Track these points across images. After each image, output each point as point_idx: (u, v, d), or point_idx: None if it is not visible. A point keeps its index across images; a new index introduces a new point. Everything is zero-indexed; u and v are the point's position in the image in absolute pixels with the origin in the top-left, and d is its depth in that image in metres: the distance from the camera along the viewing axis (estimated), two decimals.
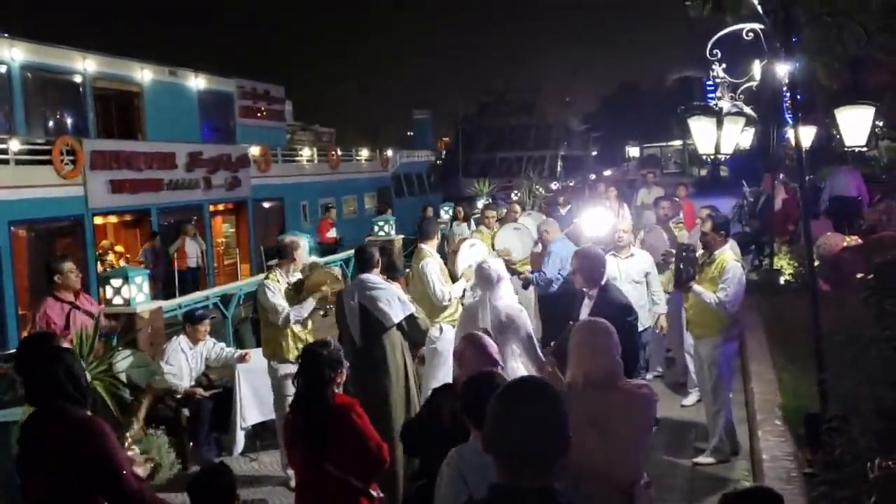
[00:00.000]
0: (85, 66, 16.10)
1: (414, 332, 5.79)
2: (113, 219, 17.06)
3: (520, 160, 43.64)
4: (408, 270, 8.05)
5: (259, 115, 23.08)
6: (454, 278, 7.09)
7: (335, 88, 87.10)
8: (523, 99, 50.74)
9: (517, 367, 4.97)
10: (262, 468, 6.65)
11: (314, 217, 23.45)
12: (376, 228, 14.48)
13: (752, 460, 5.80)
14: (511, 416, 2.08)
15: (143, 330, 7.26)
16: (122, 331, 6.93)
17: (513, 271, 8.00)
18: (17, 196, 13.43)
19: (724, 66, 5.67)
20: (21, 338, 11.69)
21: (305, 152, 25.02)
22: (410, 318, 5.72)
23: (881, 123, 13.02)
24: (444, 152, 51.99)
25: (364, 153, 29.78)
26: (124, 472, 3.09)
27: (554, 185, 25.60)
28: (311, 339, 5.76)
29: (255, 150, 21.17)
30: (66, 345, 3.34)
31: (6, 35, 14.51)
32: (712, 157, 5.69)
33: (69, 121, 16.60)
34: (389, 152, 31.92)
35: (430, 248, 7.04)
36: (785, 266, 10.80)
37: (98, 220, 15.99)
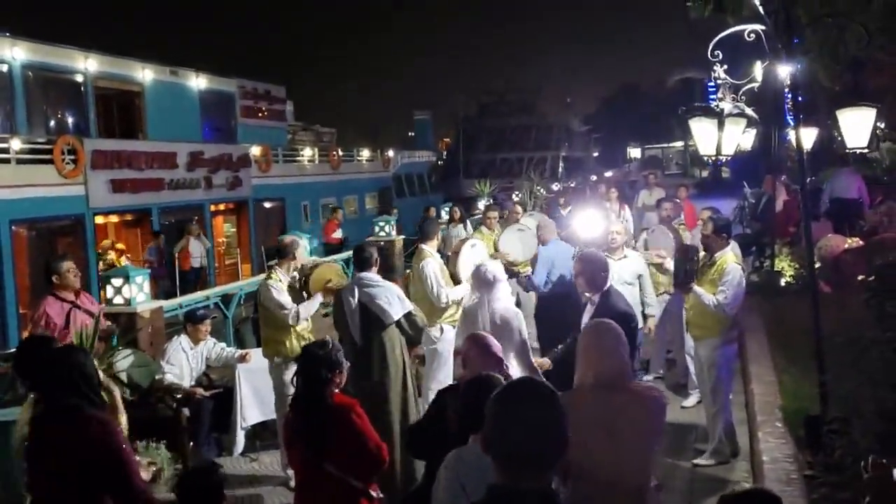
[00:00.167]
0: (86, 65, 16.12)
1: (412, 330, 5.80)
2: (114, 218, 17.08)
3: (521, 161, 43.61)
4: (408, 271, 8.05)
5: (260, 115, 23.10)
6: (455, 279, 7.09)
7: (335, 88, 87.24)
8: (524, 100, 50.73)
9: (511, 369, 4.97)
10: (262, 468, 6.65)
11: (315, 217, 23.48)
12: (377, 229, 14.49)
13: (752, 462, 5.79)
14: (510, 417, 2.08)
15: (143, 329, 7.27)
16: (123, 330, 6.93)
17: (513, 273, 7.99)
18: (19, 195, 13.47)
19: (725, 67, 5.66)
20: (22, 337, 11.72)
21: (306, 152, 25.05)
22: (408, 316, 5.75)
23: (882, 125, 12.98)
24: (444, 153, 51.97)
25: (365, 153, 29.80)
26: (134, 472, 3.11)
27: (555, 186, 25.54)
28: (313, 339, 5.77)
29: (256, 150, 21.19)
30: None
31: (8, 34, 14.52)
32: (713, 158, 5.69)
33: (70, 120, 16.62)
34: (390, 153, 31.95)
35: (430, 249, 7.04)
36: (786, 268, 10.79)
37: (99, 220, 16.02)
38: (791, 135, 11.49)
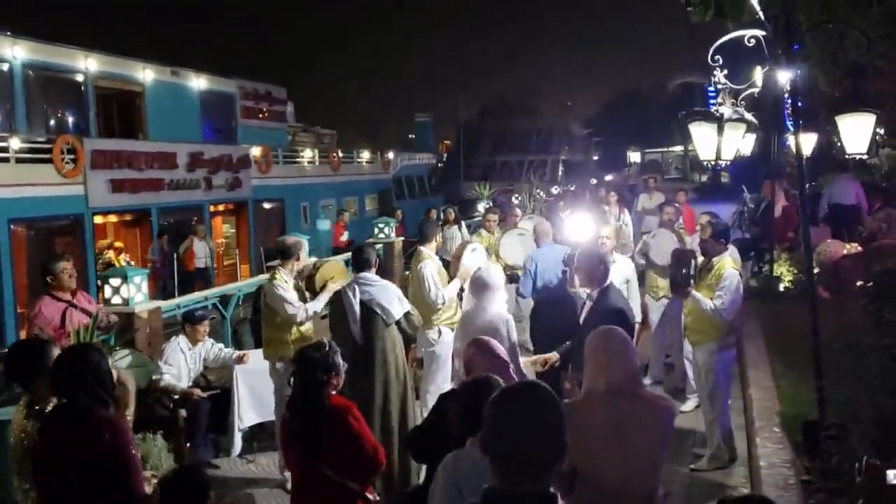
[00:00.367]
0: (87, 65, 16.10)
1: (410, 328, 5.86)
2: (113, 218, 17.06)
3: (521, 164, 43.63)
4: (407, 273, 8.03)
5: (260, 115, 23.08)
6: None
7: (335, 89, 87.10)
8: (524, 102, 50.82)
9: None
10: (259, 470, 6.64)
11: (314, 219, 23.48)
12: (376, 230, 14.49)
13: (749, 467, 5.78)
14: (508, 418, 2.08)
15: (141, 330, 7.26)
16: (121, 330, 6.92)
17: (512, 278, 7.97)
18: (18, 194, 13.45)
19: (725, 72, 5.67)
20: (20, 336, 11.71)
21: (306, 154, 25.03)
22: (407, 315, 5.82)
23: (882, 131, 12.98)
24: (445, 155, 52.01)
25: (365, 155, 29.80)
26: (139, 475, 3.12)
27: (555, 190, 25.51)
28: (314, 339, 5.77)
29: (256, 151, 21.18)
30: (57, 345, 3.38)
31: (8, 33, 14.51)
32: (713, 163, 5.69)
33: (70, 120, 16.60)
34: (390, 154, 31.94)
35: (428, 251, 7.04)
36: (784, 273, 10.79)
37: (98, 220, 16.00)
38: (790, 140, 11.52)
